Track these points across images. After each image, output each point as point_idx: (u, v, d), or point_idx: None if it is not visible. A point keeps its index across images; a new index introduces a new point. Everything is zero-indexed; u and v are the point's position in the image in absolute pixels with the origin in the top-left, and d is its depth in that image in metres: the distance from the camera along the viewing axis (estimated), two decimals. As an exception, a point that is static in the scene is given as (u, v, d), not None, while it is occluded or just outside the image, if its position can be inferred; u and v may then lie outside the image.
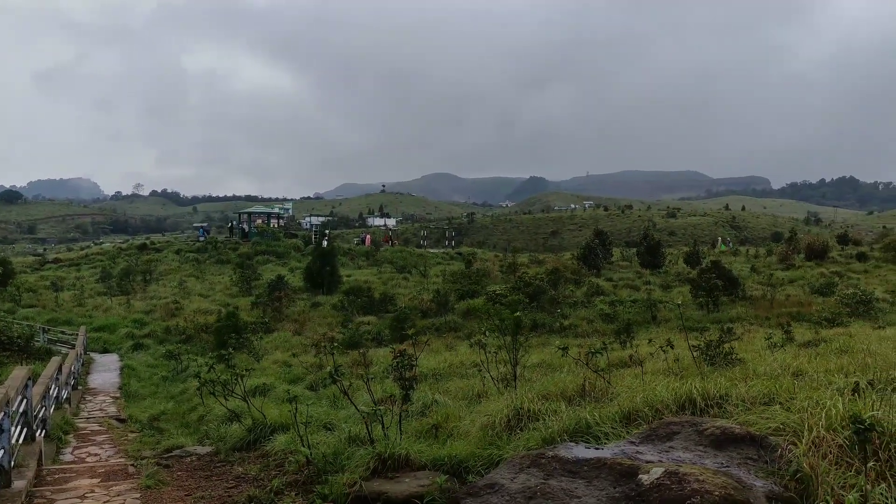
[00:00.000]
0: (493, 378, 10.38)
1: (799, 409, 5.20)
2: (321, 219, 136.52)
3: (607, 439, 5.80)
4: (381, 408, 7.54)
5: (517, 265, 50.32)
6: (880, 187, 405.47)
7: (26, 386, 9.11)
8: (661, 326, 26.66)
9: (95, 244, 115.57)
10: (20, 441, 8.54)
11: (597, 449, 4.97)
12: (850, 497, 3.73)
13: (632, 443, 5.15)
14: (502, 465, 4.94)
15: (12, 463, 7.38)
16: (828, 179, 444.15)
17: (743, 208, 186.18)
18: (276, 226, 72.71)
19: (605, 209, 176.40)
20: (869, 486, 3.91)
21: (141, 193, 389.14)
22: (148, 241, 73.44)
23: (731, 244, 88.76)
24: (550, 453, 4.80)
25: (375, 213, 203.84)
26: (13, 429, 7.80)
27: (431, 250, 78.41)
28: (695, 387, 6.55)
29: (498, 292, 32.50)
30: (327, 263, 42.61)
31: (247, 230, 67.26)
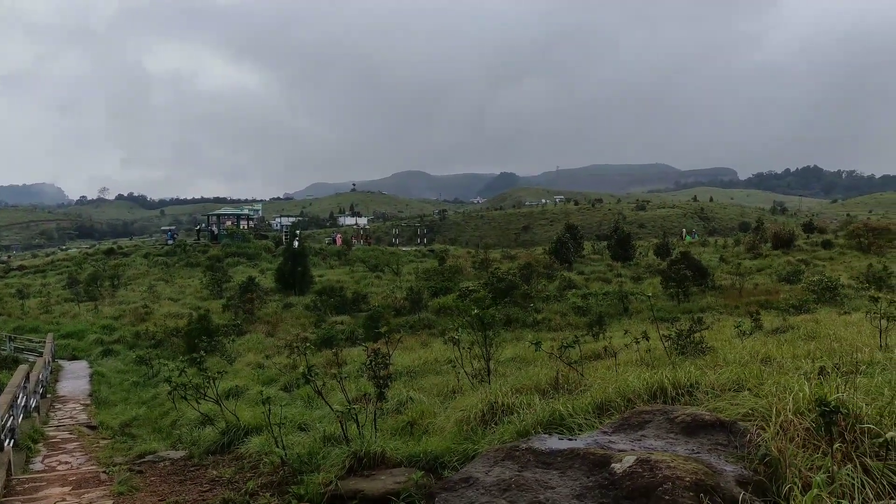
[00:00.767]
0: (467, 374, 10.41)
1: (767, 394, 5.27)
2: (292, 219, 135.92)
3: (581, 430, 5.85)
4: (356, 406, 7.53)
5: (490, 261, 50.53)
6: (843, 176, 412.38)
7: (-8, 395, 8.94)
8: (632, 318, 26.98)
9: (61, 250, 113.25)
10: (-13, 452, 8.38)
11: (570, 440, 5.00)
12: (818, 478, 3.80)
13: (604, 433, 5.20)
14: (477, 459, 4.95)
15: (-21, 474, 7.24)
16: (793, 169, 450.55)
17: (711, 199, 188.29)
18: (245, 227, 72.02)
19: (576, 203, 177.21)
20: (836, 467, 3.99)
21: (107, 198, 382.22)
22: (115, 246, 72.26)
23: (696, 235, 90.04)
24: (524, 446, 4.82)
25: (346, 213, 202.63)
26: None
27: (404, 248, 78.37)
28: (666, 376, 6.64)
29: (470, 289, 32.65)
30: (299, 264, 42.42)
31: (216, 232, 66.60)
